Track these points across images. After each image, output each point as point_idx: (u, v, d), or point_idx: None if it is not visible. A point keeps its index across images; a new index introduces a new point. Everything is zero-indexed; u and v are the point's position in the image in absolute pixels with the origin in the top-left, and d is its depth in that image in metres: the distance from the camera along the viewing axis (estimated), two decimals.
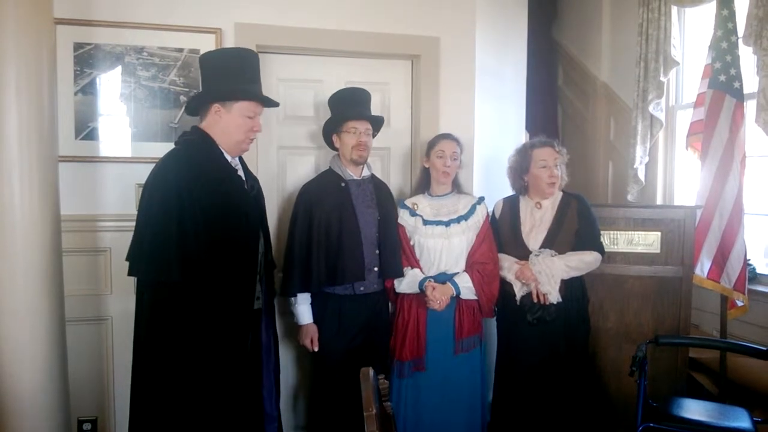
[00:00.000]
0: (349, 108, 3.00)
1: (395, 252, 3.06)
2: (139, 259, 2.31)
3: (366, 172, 3.09)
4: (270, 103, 2.61)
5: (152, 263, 2.28)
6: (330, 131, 3.05)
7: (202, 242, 2.30)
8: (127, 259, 2.38)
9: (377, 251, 3.01)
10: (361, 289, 2.98)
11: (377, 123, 3.10)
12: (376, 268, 3.01)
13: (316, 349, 2.97)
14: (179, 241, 2.26)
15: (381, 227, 3.03)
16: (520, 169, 3.16)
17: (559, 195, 3.15)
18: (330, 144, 3.10)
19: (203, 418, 2.33)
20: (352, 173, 3.03)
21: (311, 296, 2.99)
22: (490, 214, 3.25)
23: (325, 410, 3.01)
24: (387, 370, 3.04)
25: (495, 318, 3.23)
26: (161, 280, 2.28)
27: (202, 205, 2.31)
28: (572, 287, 3.03)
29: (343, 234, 2.93)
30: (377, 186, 3.13)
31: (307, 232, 2.93)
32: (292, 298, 2.97)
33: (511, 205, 3.22)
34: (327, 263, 2.92)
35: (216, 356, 2.34)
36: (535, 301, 2.97)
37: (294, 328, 3.13)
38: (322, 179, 3.07)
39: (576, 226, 3.06)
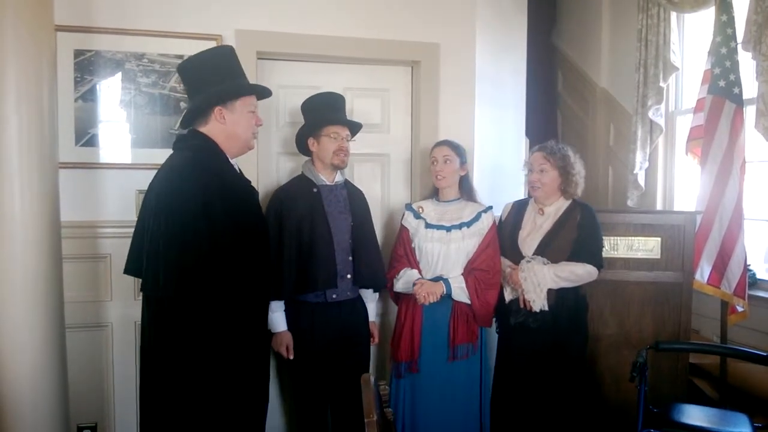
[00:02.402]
0: (327, 113, 2.97)
1: (372, 259, 3.03)
2: (172, 277, 2.15)
3: (339, 178, 3.06)
4: (266, 92, 2.56)
5: (184, 281, 2.14)
6: (307, 135, 3.00)
7: (234, 258, 2.22)
8: (126, 272, 2.36)
9: (350, 258, 2.98)
10: (334, 296, 2.94)
11: (355, 128, 3.08)
12: (349, 276, 2.97)
13: (291, 357, 2.93)
14: (212, 258, 2.16)
15: (355, 234, 3.00)
16: (526, 173, 3.23)
17: (565, 203, 3.12)
18: (303, 149, 3.06)
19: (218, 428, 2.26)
20: (324, 178, 3.00)
21: (285, 303, 2.95)
22: (499, 215, 3.26)
23: (304, 418, 3.00)
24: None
25: (496, 323, 3.21)
26: (194, 298, 2.16)
27: (229, 219, 2.22)
28: (564, 297, 3.00)
29: (314, 240, 2.90)
30: (351, 192, 3.09)
31: (277, 238, 2.87)
32: None
33: (518, 208, 3.22)
34: (297, 270, 2.87)
35: (243, 371, 2.28)
36: (522, 306, 2.98)
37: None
38: (294, 184, 3.04)
39: (573, 236, 3.03)
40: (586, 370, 3.18)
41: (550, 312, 2.96)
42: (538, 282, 2.94)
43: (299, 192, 2.97)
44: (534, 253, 3.03)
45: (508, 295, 3.06)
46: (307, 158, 3.10)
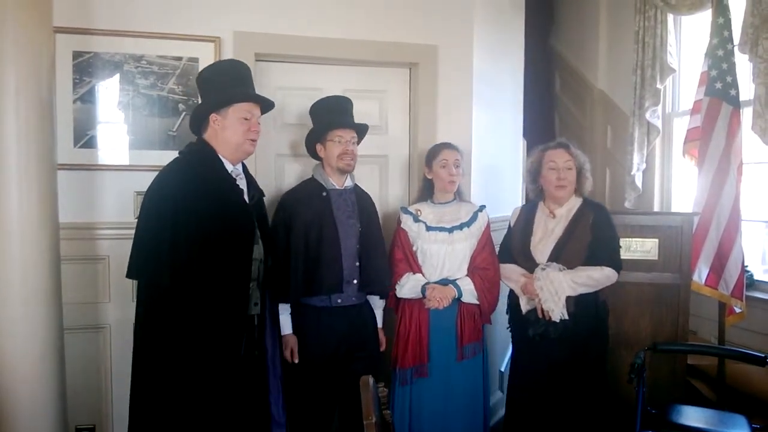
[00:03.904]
0: (332, 117, 2.96)
1: (378, 265, 3.00)
2: (136, 261, 2.38)
3: (349, 183, 3.04)
4: (264, 102, 2.63)
5: (145, 265, 2.35)
6: (314, 141, 3.00)
7: (193, 248, 2.35)
8: None
9: (357, 263, 2.96)
10: (339, 301, 2.92)
11: (362, 131, 3.07)
12: (355, 281, 2.94)
13: (296, 361, 2.91)
14: (171, 246, 2.32)
15: (362, 239, 2.98)
16: (534, 171, 3.09)
17: (577, 203, 3.02)
18: (313, 154, 3.06)
19: (194, 421, 2.36)
20: (334, 183, 2.99)
21: (291, 306, 2.94)
22: (494, 220, 3.24)
23: (305, 422, 2.97)
24: (376, 380, 3.02)
25: (509, 328, 3.16)
26: (153, 283, 2.35)
27: (196, 213, 2.36)
28: (584, 304, 2.87)
29: (322, 244, 2.88)
30: (360, 197, 3.08)
31: (285, 241, 2.87)
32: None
33: (527, 212, 3.12)
34: (304, 273, 2.86)
35: (204, 360, 2.37)
36: (540, 316, 2.87)
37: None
38: (303, 188, 3.03)
39: (588, 239, 2.90)
40: (606, 376, 3.07)
41: (571, 320, 2.84)
42: (555, 290, 2.81)
43: (308, 195, 2.96)
44: (548, 260, 2.91)
45: (524, 306, 2.93)
46: (317, 162, 3.08)
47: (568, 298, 2.83)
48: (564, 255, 2.91)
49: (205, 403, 2.37)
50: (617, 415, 3.28)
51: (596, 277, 2.86)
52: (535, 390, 2.97)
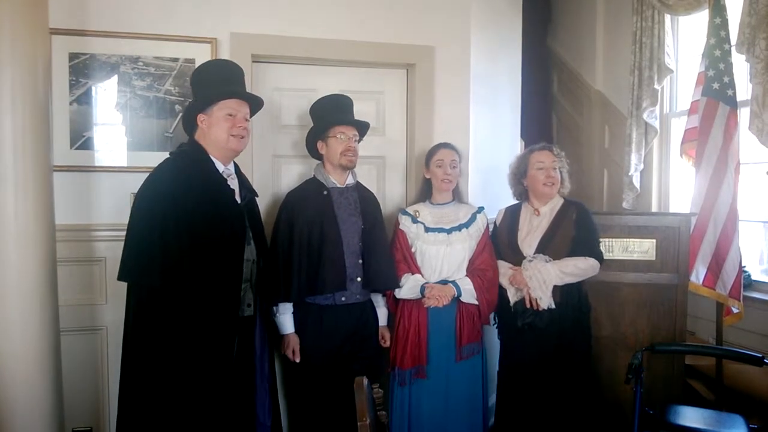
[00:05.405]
0: (335, 114, 2.97)
1: (382, 262, 3.00)
2: (126, 262, 2.38)
3: (350, 180, 3.05)
4: (250, 98, 2.63)
5: (135, 267, 2.35)
6: (315, 138, 3.01)
7: (183, 249, 2.35)
8: None
9: (360, 261, 2.97)
10: (343, 299, 2.93)
11: (363, 128, 3.08)
12: (359, 279, 2.95)
13: (297, 360, 2.91)
14: (161, 247, 2.32)
15: (365, 237, 2.99)
16: (519, 172, 3.18)
17: (559, 202, 3.14)
18: (313, 152, 3.06)
19: (183, 423, 2.36)
20: (335, 181, 2.99)
21: (294, 306, 2.95)
22: (492, 222, 3.26)
23: (307, 421, 2.97)
24: (377, 380, 3.02)
25: (496, 325, 3.22)
26: (143, 283, 2.35)
27: (186, 213, 2.37)
28: (568, 295, 3.00)
29: (324, 243, 2.89)
30: (362, 195, 3.08)
31: (287, 240, 2.88)
32: (274, 308, 2.92)
33: (511, 212, 3.23)
34: (307, 272, 2.86)
35: (194, 361, 2.37)
36: (528, 306, 2.96)
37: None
38: (305, 187, 3.04)
39: (572, 234, 3.04)
40: (591, 370, 3.16)
41: (557, 310, 2.96)
42: (543, 279, 2.93)
43: (310, 195, 2.97)
44: (535, 252, 3.03)
45: (512, 297, 3.03)
46: (318, 162, 3.08)
47: (554, 289, 2.95)
48: (550, 248, 3.03)
49: (194, 406, 2.36)
50: (615, 416, 3.29)
51: (582, 267, 2.98)
52: (523, 383, 3.03)
